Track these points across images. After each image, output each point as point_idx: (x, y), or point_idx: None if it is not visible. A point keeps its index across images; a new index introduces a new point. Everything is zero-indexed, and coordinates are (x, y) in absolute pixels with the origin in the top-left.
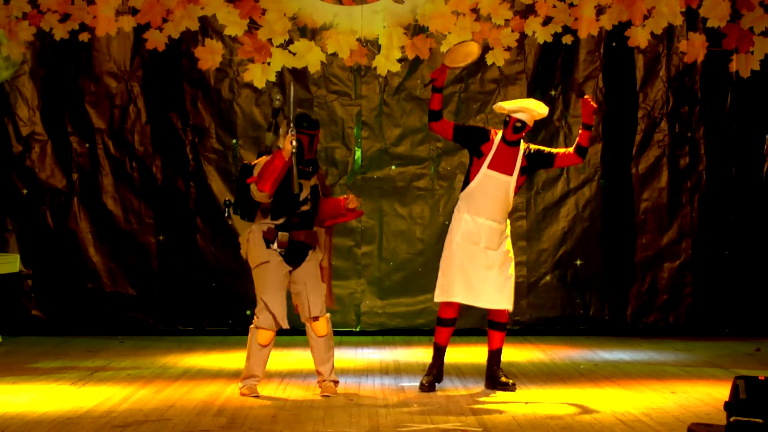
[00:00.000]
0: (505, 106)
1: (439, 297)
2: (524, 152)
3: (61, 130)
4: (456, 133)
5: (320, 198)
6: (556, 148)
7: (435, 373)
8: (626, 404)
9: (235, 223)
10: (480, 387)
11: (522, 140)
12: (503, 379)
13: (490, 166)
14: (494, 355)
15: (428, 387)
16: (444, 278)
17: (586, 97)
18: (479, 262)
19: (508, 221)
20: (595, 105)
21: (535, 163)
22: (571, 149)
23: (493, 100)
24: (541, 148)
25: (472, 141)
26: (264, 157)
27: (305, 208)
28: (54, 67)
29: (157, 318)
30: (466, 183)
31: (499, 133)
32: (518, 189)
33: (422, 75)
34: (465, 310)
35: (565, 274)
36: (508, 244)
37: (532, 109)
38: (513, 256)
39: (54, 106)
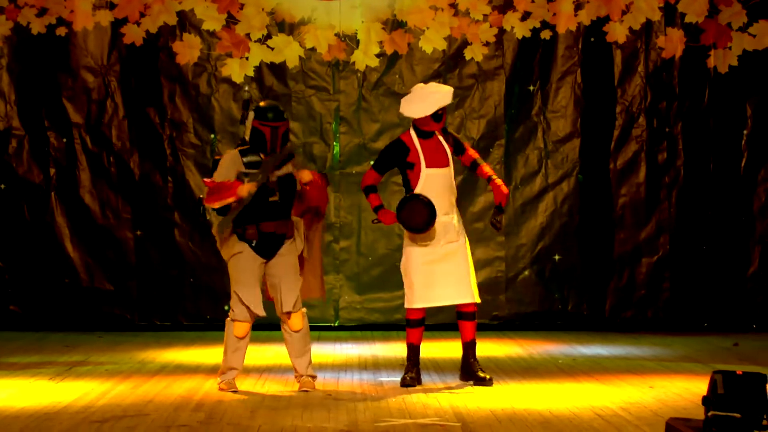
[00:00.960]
0: (427, 108)
1: (408, 303)
2: (444, 138)
3: (39, 125)
4: (380, 170)
5: (296, 187)
6: (465, 144)
7: (415, 369)
8: (604, 399)
9: (211, 217)
10: (459, 382)
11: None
12: (480, 373)
13: (428, 165)
14: (468, 347)
15: (410, 381)
16: (408, 283)
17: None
18: (438, 261)
19: (457, 210)
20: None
21: (455, 148)
22: (486, 171)
23: (471, 96)
24: (454, 134)
25: (397, 160)
26: (228, 155)
27: (272, 198)
28: (31, 62)
29: (134, 313)
30: (410, 190)
31: (411, 134)
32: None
33: (400, 70)
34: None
35: (544, 269)
36: (464, 232)
37: (443, 95)
38: (469, 246)
39: (31, 101)
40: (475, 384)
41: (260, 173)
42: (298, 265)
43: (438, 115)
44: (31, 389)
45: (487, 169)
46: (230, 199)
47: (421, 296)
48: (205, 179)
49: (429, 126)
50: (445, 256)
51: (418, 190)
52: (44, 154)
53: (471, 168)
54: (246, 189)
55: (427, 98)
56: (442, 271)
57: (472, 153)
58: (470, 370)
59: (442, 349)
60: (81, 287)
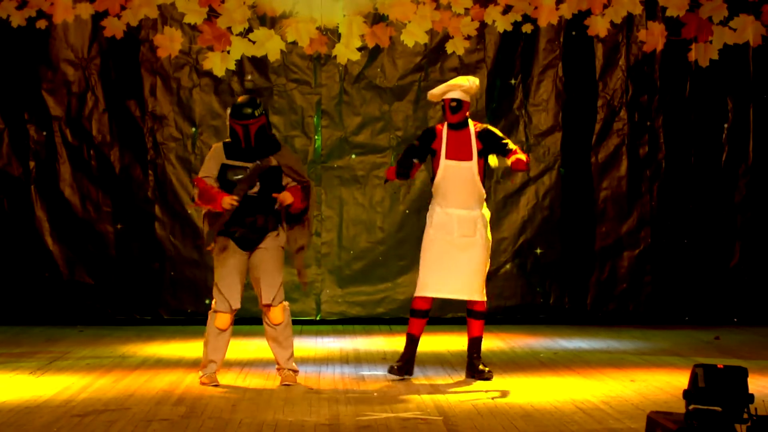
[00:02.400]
0: (436, 92)
1: (417, 291)
2: (476, 134)
3: (19, 118)
4: (422, 161)
5: (279, 180)
6: (511, 142)
7: (406, 360)
8: (586, 392)
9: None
10: (441, 376)
11: (470, 121)
12: (480, 367)
13: (447, 157)
14: (473, 344)
15: (398, 371)
16: (421, 272)
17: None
18: (454, 252)
19: (485, 207)
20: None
21: (490, 146)
22: (523, 157)
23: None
24: (496, 133)
25: (426, 146)
26: (213, 148)
27: (252, 191)
28: (11, 55)
29: (115, 307)
30: (433, 178)
31: (444, 124)
32: (483, 172)
33: (382, 63)
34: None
35: (525, 263)
36: (487, 231)
37: (459, 84)
38: (489, 245)
39: (11, 94)
40: (476, 378)
41: (240, 185)
42: (280, 259)
43: (452, 107)
44: (12, 383)
45: (515, 154)
46: (215, 209)
47: (430, 286)
48: (195, 178)
49: (447, 116)
50: (461, 250)
51: (437, 180)
52: (24, 147)
53: (509, 154)
54: (228, 202)
55: (443, 86)
56: (456, 264)
57: (514, 149)
58: (472, 366)
59: (424, 343)
60: (61, 281)
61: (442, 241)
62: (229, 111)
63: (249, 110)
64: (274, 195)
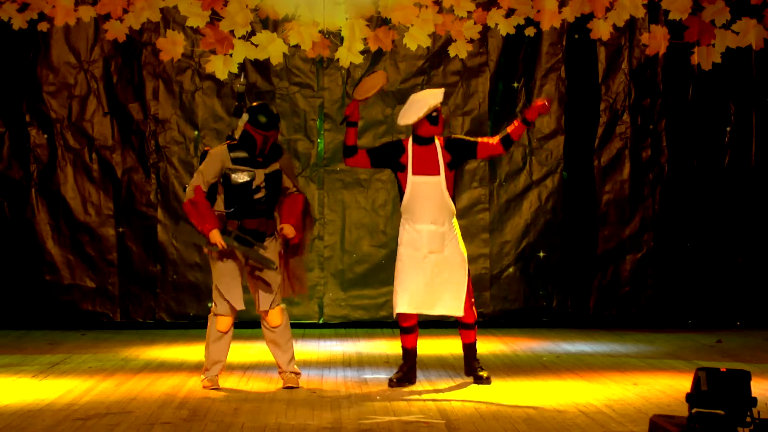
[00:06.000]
0: (415, 111)
1: (398, 308)
2: (443, 145)
3: (19, 121)
4: (372, 159)
5: (281, 185)
6: (478, 137)
7: (405, 371)
8: (588, 396)
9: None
10: (443, 380)
11: (435, 135)
12: (480, 372)
13: (414, 173)
14: (469, 349)
15: (396, 383)
16: (396, 290)
17: (545, 103)
18: (426, 269)
19: (455, 221)
20: (546, 108)
21: (458, 154)
22: (495, 138)
23: (456, 93)
24: (461, 137)
25: (390, 158)
26: (217, 149)
27: (258, 196)
28: (12, 57)
29: (116, 311)
30: (401, 197)
31: (409, 139)
32: (452, 186)
33: (385, 67)
34: None
35: (528, 267)
36: (459, 245)
37: (434, 94)
38: (465, 258)
39: (12, 97)
40: (475, 382)
41: (244, 248)
42: (277, 262)
43: (433, 118)
44: (14, 387)
45: (506, 131)
46: (200, 229)
47: (406, 303)
48: (195, 186)
49: (425, 130)
50: (431, 267)
51: (406, 196)
52: (25, 150)
53: (505, 144)
54: (218, 239)
55: (417, 102)
56: (430, 281)
57: (486, 140)
58: (471, 369)
59: (427, 346)
60: (62, 285)
61: (412, 258)
62: (246, 115)
63: (273, 122)
64: (281, 229)
